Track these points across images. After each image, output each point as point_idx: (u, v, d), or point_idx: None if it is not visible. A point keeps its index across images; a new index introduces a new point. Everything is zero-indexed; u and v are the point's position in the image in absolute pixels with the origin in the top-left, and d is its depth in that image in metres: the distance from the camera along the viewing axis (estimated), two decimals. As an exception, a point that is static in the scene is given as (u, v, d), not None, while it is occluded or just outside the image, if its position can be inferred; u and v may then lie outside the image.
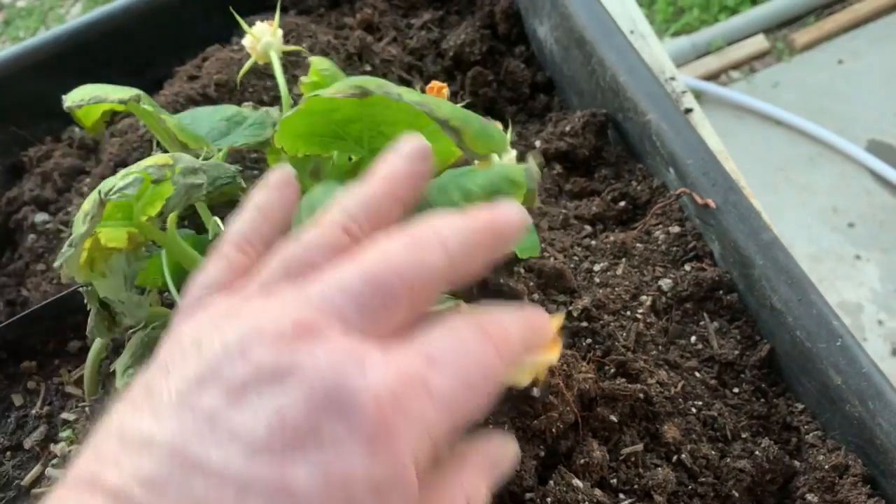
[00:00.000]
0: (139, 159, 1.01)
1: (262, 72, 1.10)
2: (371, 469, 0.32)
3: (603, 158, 1.06)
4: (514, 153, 0.71)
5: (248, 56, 1.07)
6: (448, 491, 0.39)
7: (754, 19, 2.93)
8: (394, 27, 1.23)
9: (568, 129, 1.06)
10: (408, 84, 1.15)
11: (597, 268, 0.91)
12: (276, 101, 1.06)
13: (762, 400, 0.86)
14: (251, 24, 1.24)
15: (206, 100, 1.06)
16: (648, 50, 1.34)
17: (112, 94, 0.72)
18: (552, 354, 0.62)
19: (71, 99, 0.75)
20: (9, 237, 1.16)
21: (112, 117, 1.06)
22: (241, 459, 0.31)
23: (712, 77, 2.88)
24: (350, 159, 0.78)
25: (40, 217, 1.11)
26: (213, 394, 0.33)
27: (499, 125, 0.66)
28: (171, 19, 1.27)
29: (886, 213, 2.57)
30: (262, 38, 0.82)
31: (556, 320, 0.63)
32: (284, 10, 1.30)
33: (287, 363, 0.33)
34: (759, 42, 2.91)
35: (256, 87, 1.08)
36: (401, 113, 0.62)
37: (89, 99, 0.74)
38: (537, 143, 1.06)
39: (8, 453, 0.72)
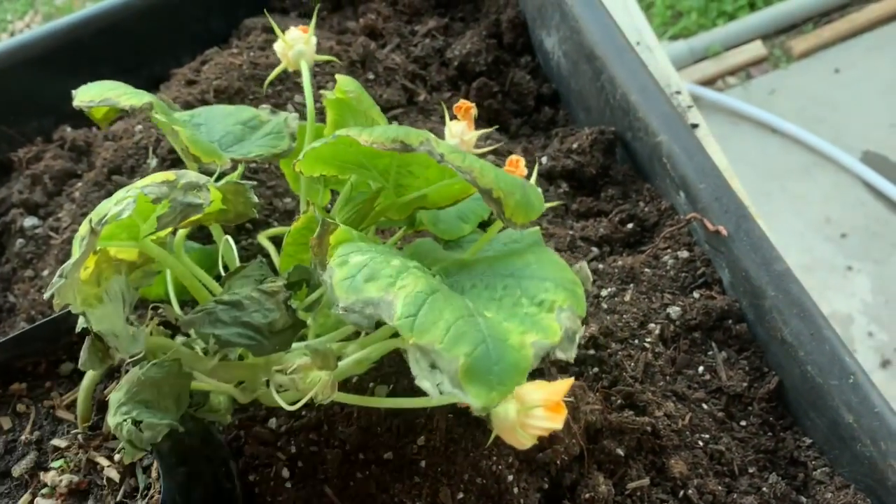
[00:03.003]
0: (133, 167, 0.99)
1: (262, 77, 1.07)
2: None
3: (610, 177, 1.04)
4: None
5: (249, 61, 1.05)
6: None
7: (752, 25, 2.92)
8: (398, 34, 1.21)
9: (575, 146, 1.03)
10: (411, 94, 1.13)
11: (604, 293, 0.89)
12: (279, 108, 1.03)
13: (769, 434, 0.85)
14: (250, 27, 1.22)
15: (205, 106, 1.03)
16: (654, 62, 1.32)
17: (123, 100, 0.69)
18: (557, 421, 0.61)
19: (80, 98, 0.72)
20: (-4, 240, 1.13)
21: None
22: None
23: (709, 82, 2.87)
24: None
25: (29, 221, 1.08)
26: None
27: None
28: (168, 19, 1.23)
29: (879, 225, 2.57)
30: (296, 45, 0.80)
31: (564, 386, 0.61)
32: (285, 13, 1.27)
33: None
34: (756, 48, 2.90)
35: (258, 93, 1.05)
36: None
37: (99, 101, 0.71)
38: (544, 160, 1.04)
39: (-5, 480, 0.69)
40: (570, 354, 0.56)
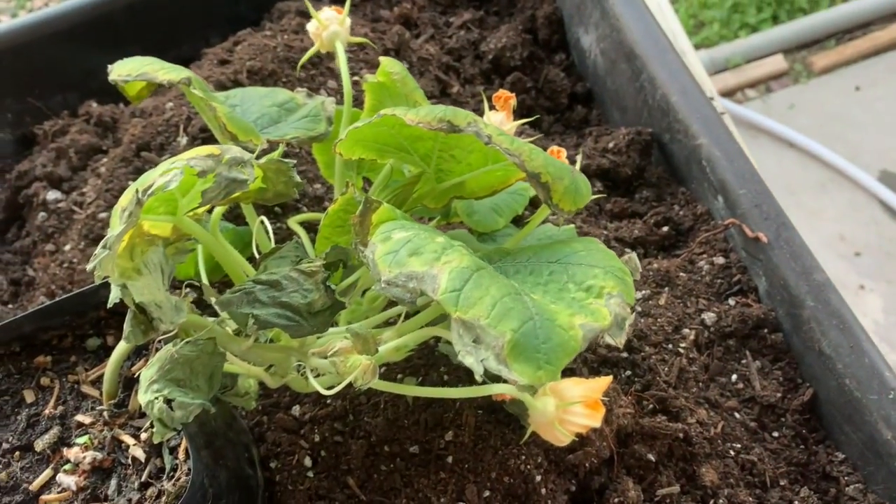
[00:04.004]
0: (163, 144, 0.97)
1: (297, 61, 1.05)
2: None
3: (644, 179, 1.03)
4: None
5: (283, 44, 1.04)
6: None
7: (774, 39, 2.90)
8: (432, 24, 1.19)
9: (611, 145, 1.02)
10: (445, 85, 1.11)
11: (638, 295, 0.88)
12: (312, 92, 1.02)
13: (802, 446, 0.83)
14: (283, 10, 1.20)
15: (238, 87, 1.01)
16: (688, 67, 1.30)
17: (161, 74, 0.68)
18: (595, 419, 0.60)
19: (117, 72, 0.71)
20: (16, 212, 1.11)
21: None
22: None
23: (728, 94, 2.85)
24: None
25: (52, 195, 1.06)
26: None
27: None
28: (199, -2, 1.22)
29: (894, 245, 2.55)
30: (330, 25, 0.78)
31: (603, 383, 0.61)
32: (318, -2, 1.25)
33: None
34: (777, 62, 2.88)
35: (292, 76, 1.03)
36: (478, 142, 0.59)
37: (136, 75, 0.69)
38: (578, 158, 1.03)
39: (17, 454, 0.67)
40: (619, 340, 0.54)
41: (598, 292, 0.56)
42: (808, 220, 2.65)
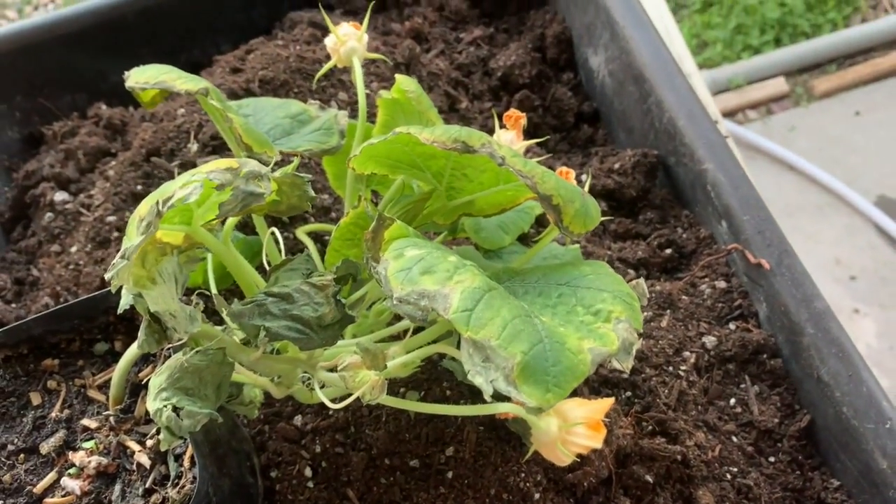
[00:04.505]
0: (174, 150, 0.98)
1: (309, 72, 1.06)
2: None
3: (649, 200, 1.03)
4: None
5: (296, 54, 1.04)
6: None
7: (776, 61, 2.92)
8: (443, 40, 1.20)
9: (617, 166, 1.03)
10: (453, 101, 1.12)
11: (640, 317, 0.89)
12: (324, 104, 1.02)
13: (797, 472, 0.84)
14: (296, 20, 1.21)
15: (250, 95, 1.02)
16: (695, 90, 1.31)
17: (179, 84, 0.69)
18: (597, 440, 0.61)
19: (134, 79, 0.71)
20: (22, 211, 1.12)
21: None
22: None
23: (729, 115, 2.87)
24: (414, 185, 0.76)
25: (60, 196, 1.06)
26: None
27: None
28: (212, 4, 1.23)
29: (889, 270, 2.57)
30: (348, 41, 0.79)
31: (605, 405, 0.62)
32: (330, 9, 1.26)
33: None
34: (778, 84, 2.90)
35: (303, 87, 1.04)
36: (490, 162, 0.59)
37: (154, 83, 0.70)
38: (583, 178, 1.04)
39: (21, 456, 0.67)
40: (626, 365, 0.55)
41: (607, 317, 0.56)
42: (805, 243, 2.66)
